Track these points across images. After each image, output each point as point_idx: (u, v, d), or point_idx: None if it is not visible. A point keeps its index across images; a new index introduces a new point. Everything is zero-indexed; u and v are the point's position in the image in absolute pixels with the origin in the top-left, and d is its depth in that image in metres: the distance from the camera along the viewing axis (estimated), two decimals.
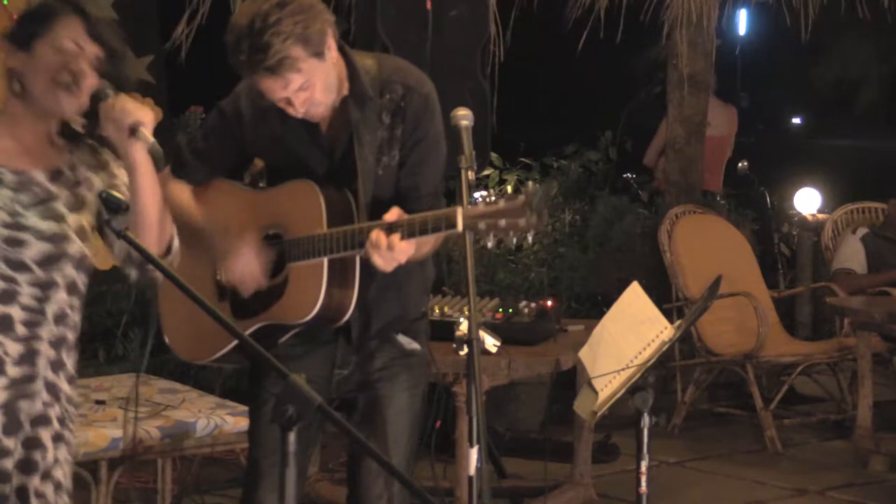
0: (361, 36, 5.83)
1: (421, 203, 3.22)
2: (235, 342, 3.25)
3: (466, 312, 3.06)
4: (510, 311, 4.96)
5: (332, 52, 3.12)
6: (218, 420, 4.40)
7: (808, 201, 9.06)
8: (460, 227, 2.93)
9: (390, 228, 3.04)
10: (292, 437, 2.54)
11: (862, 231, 7.42)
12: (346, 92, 3.22)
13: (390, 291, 3.31)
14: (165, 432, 4.30)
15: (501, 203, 2.89)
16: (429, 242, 3.21)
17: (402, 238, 3.03)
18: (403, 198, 3.23)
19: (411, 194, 3.25)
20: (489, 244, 2.95)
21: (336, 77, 3.17)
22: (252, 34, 3.02)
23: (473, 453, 3.00)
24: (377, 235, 3.04)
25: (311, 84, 3.09)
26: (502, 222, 2.89)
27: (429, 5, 5.66)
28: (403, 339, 3.36)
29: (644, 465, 3.37)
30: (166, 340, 3.50)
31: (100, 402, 4.52)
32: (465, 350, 3.03)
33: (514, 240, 2.93)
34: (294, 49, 3.03)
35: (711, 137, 7.95)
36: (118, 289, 6.23)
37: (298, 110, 3.13)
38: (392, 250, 3.03)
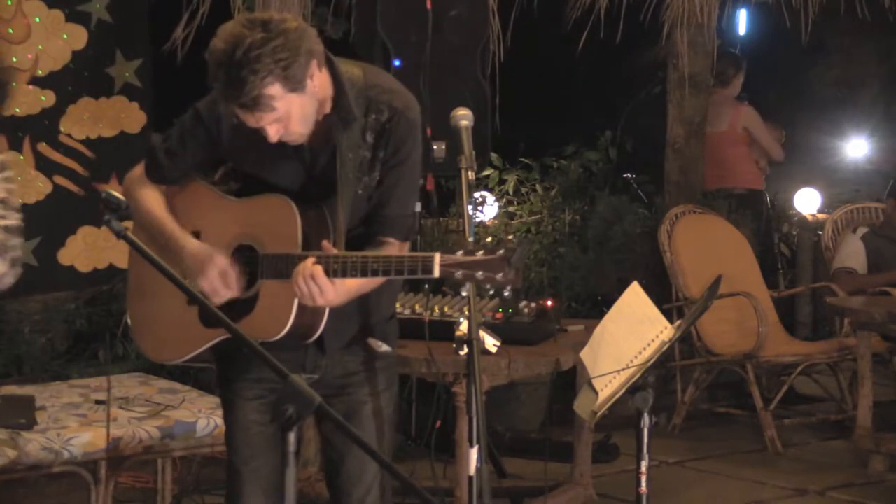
0: (361, 36, 5.84)
1: (386, 226, 3.18)
2: (211, 343, 3.20)
3: (466, 312, 3.06)
4: (510, 311, 4.95)
5: (314, 80, 3.03)
6: (218, 420, 4.38)
7: (808, 201, 9.06)
8: (436, 272, 2.89)
9: (345, 264, 2.99)
10: (292, 436, 2.54)
11: (862, 230, 7.42)
12: (328, 110, 3.14)
13: (362, 301, 3.24)
14: (165, 432, 4.30)
15: (480, 255, 2.86)
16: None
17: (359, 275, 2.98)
18: (371, 217, 3.19)
19: (378, 215, 3.19)
20: (463, 293, 2.90)
21: (317, 103, 3.08)
22: (230, 65, 2.92)
23: (473, 453, 3.00)
24: (309, 264, 2.99)
25: (287, 117, 3.02)
26: (479, 274, 2.86)
27: (429, 5, 5.67)
28: (373, 342, 3.32)
29: (644, 465, 3.38)
30: (134, 341, 3.45)
31: (100, 402, 4.52)
32: (465, 350, 3.03)
33: (491, 292, 2.90)
34: (271, 88, 2.93)
35: (711, 134, 7.92)
36: (118, 289, 6.24)
37: (272, 138, 3.05)
38: (315, 280, 2.98)
